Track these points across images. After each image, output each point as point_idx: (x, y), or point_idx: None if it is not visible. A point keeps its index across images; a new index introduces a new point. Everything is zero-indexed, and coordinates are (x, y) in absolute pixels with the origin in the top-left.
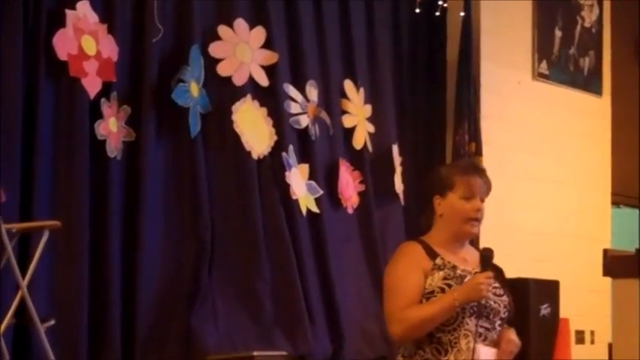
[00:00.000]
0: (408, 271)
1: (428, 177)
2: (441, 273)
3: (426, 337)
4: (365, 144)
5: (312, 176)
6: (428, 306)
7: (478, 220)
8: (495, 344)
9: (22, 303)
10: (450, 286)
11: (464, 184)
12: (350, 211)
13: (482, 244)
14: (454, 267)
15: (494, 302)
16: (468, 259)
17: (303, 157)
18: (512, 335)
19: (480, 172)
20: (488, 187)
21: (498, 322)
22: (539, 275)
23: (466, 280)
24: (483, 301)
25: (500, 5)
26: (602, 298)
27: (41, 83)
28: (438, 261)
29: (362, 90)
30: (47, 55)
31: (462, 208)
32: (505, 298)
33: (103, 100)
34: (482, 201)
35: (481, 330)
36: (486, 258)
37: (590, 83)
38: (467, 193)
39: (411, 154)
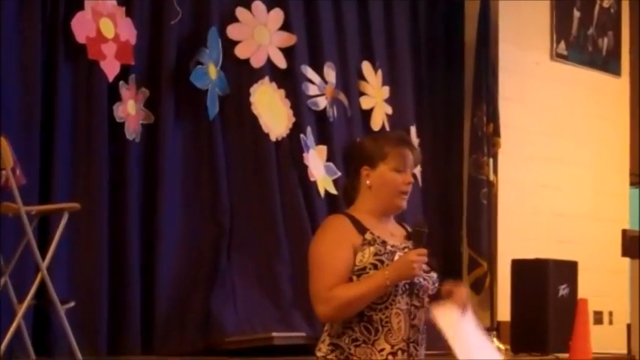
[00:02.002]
0: (337, 246)
1: (352, 149)
2: (372, 248)
3: (356, 315)
4: (383, 125)
5: (330, 158)
6: (357, 285)
7: (407, 193)
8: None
9: (42, 285)
10: (382, 262)
11: (397, 156)
12: None
13: (500, 227)
14: (384, 242)
15: (424, 279)
16: (395, 233)
17: (321, 138)
18: (456, 284)
19: (411, 145)
20: (417, 161)
21: (427, 300)
22: (557, 256)
23: (396, 256)
24: (416, 279)
25: None
26: (621, 278)
27: (60, 66)
28: (368, 236)
29: (380, 72)
30: (66, 38)
31: (394, 181)
32: (433, 274)
33: (121, 82)
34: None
35: (412, 308)
36: (419, 234)
37: (608, 64)
38: (400, 165)
39: (429, 136)
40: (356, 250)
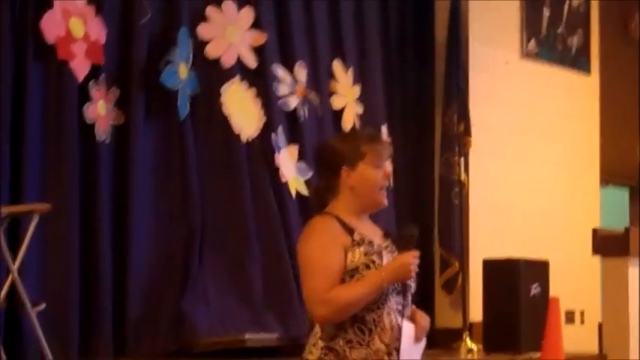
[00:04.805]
0: (329, 247)
1: (325, 151)
2: (362, 248)
3: (349, 317)
4: (354, 125)
5: (301, 157)
6: (355, 286)
7: (385, 187)
8: (411, 320)
9: (13, 287)
10: (373, 261)
11: (374, 153)
12: None
13: (472, 226)
14: (371, 242)
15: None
16: (376, 232)
17: (292, 138)
18: (422, 312)
19: (382, 139)
20: (390, 154)
21: (410, 298)
22: (529, 255)
23: (384, 255)
24: (408, 281)
25: None
26: (592, 277)
27: (29, 66)
28: (356, 236)
29: (351, 70)
30: (35, 38)
31: (374, 177)
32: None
33: (91, 82)
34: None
35: (399, 307)
36: (410, 238)
37: (578, 62)
38: (377, 161)
39: (400, 135)
40: (346, 250)
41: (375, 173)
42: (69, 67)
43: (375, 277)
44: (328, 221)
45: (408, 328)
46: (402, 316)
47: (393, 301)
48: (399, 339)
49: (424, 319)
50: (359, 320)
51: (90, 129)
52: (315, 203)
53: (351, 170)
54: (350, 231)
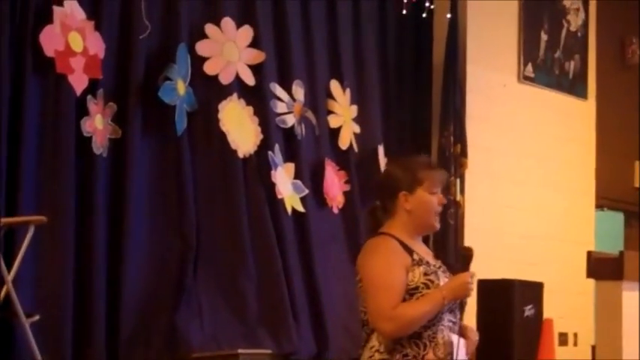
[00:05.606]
0: (393, 266)
1: (385, 176)
2: (421, 268)
3: None
4: (350, 144)
5: (297, 175)
6: (418, 304)
7: (439, 213)
8: (461, 335)
9: (7, 297)
10: (432, 281)
11: (431, 179)
12: (335, 210)
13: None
14: (427, 262)
15: None
16: (428, 253)
17: (288, 156)
18: (471, 326)
19: (437, 167)
20: (445, 180)
21: (459, 315)
22: (524, 277)
23: (440, 275)
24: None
25: (486, 8)
26: (586, 300)
27: (28, 79)
28: (415, 256)
29: (348, 90)
30: (34, 52)
31: (431, 203)
32: None
33: (89, 97)
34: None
35: (450, 324)
36: (467, 257)
37: (575, 87)
38: (434, 187)
39: (397, 155)
40: (407, 269)
41: (431, 199)
42: (67, 80)
43: (437, 296)
44: (390, 242)
45: (459, 343)
46: (453, 331)
47: (447, 319)
48: (450, 353)
49: (474, 333)
50: (415, 336)
51: (87, 142)
52: (369, 223)
53: (410, 195)
54: (409, 251)
